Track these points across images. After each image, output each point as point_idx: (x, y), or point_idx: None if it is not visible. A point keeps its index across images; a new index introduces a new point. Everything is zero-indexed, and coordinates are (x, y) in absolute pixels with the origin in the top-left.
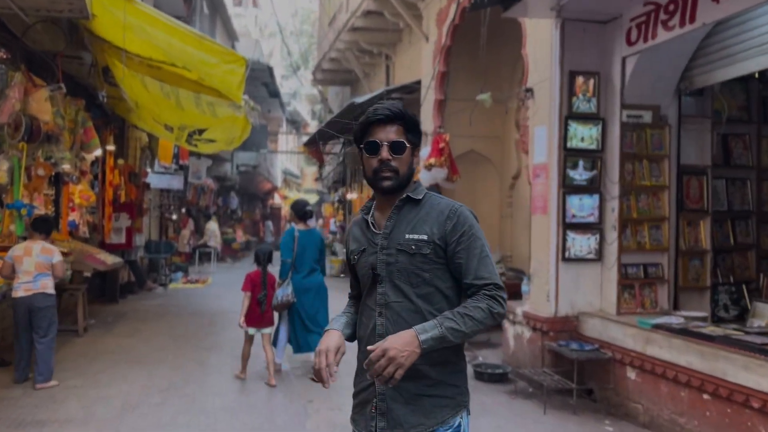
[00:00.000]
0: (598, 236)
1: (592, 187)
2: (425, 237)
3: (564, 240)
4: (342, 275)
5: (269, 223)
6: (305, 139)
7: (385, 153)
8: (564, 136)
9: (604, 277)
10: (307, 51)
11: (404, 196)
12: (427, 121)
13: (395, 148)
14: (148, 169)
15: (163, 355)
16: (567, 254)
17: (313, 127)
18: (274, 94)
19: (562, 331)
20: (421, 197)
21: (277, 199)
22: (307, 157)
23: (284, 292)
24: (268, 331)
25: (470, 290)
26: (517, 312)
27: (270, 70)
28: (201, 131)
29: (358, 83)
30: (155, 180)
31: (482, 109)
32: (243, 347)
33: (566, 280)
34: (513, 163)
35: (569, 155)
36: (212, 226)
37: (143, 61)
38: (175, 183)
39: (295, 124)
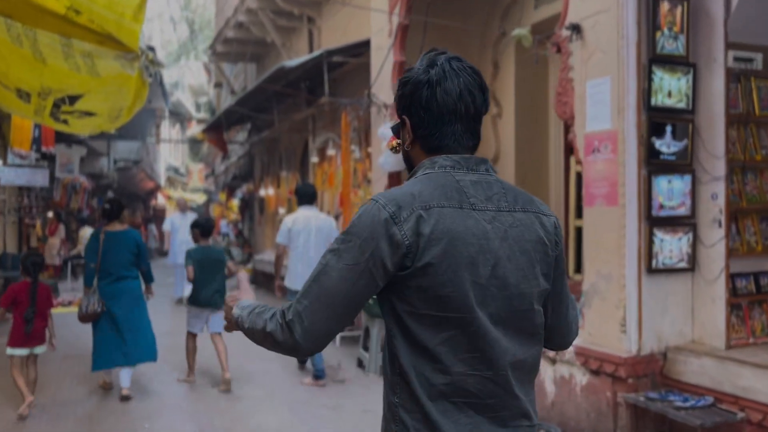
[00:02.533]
0: (691, 235)
1: (683, 164)
2: None
3: (650, 242)
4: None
5: (152, 227)
6: (193, 133)
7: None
8: (647, 90)
9: (700, 294)
10: (196, 32)
11: None
12: (384, 90)
13: (393, 130)
14: None
15: None
16: (654, 263)
17: (197, 122)
18: (156, 82)
19: (644, 375)
20: None
21: (161, 200)
22: (193, 153)
23: (89, 301)
24: (40, 351)
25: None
26: None
27: (152, 50)
28: (73, 99)
29: (268, 57)
30: (9, 174)
31: None
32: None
33: (651, 300)
34: (488, 143)
35: (654, 117)
36: (87, 232)
37: None
38: (38, 178)
39: (179, 117)
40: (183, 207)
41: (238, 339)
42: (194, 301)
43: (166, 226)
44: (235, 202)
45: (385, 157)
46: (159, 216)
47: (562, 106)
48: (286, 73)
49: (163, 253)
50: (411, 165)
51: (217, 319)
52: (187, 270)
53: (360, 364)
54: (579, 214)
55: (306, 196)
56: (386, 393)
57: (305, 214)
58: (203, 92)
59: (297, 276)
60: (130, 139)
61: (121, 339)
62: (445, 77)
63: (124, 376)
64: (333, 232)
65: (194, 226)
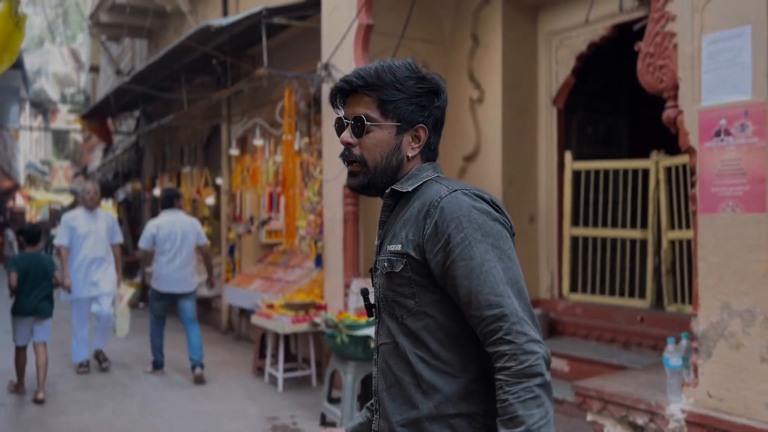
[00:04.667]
0: None
1: None
2: (399, 247)
3: None
4: (141, 305)
5: (9, 232)
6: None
7: (346, 135)
8: None
9: None
10: (63, 14)
11: (389, 190)
12: (344, 62)
13: (356, 127)
14: None
15: None
16: None
17: (63, 113)
18: (16, 64)
19: None
20: (411, 188)
21: (19, 201)
22: (58, 149)
23: None
24: None
25: (480, 336)
26: (654, 408)
27: None
28: None
29: (164, 32)
30: None
31: (415, 50)
32: None
33: None
34: (465, 135)
35: None
36: None
37: None
38: None
39: (41, 107)
40: (91, 201)
41: None
42: (19, 310)
43: (62, 237)
44: (108, 205)
45: None
46: (17, 220)
47: (653, 73)
48: (218, 32)
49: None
50: (390, 176)
51: (44, 328)
52: (10, 277)
53: (323, 420)
54: (575, 221)
55: (168, 200)
56: (455, 414)
57: (169, 218)
58: (70, 82)
59: (164, 280)
60: None
61: None
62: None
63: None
64: (200, 236)
65: (19, 233)
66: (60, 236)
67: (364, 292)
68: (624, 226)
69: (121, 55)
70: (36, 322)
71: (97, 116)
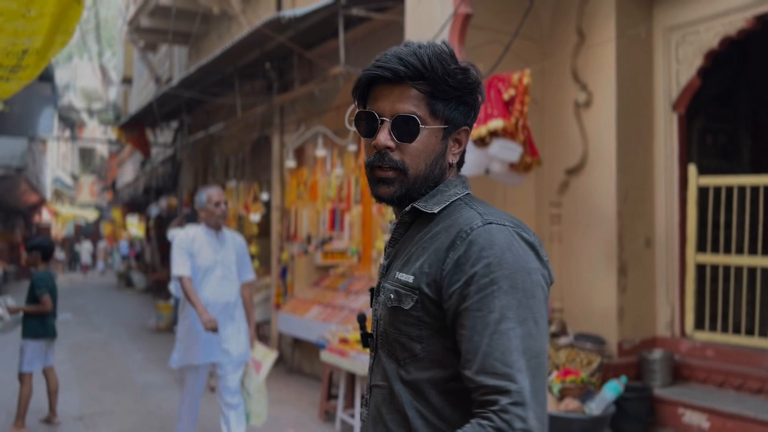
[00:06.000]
0: None
1: None
2: (410, 279)
3: None
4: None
5: None
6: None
7: (383, 137)
8: None
9: None
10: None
11: (409, 207)
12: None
13: (401, 128)
14: None
15: None
16: None
17: (90, 129)
18: (46, 77)
19: None
20: (437, 209)
21: (45, 216)
22: (85, 164)
23: None
24: None
25: (473, 399)
26: None
27: None
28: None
29: (207, 38)
30: None
31: (517, 48)
32: None
33: None
34: (569, 144)
35: None
36: None
37: None
38: None
39: (69, 121)
40: (220, 215)
41: None
42: (44, 332)
43: (181, 264)
44: (134, 222)
45: (471, 153)
46: (43, 235)
47: None
48: (290, 23)
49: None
50: (426, 186)
51: (52, 350)
52: (44, 300)
53: None
54: (701, 245)
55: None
56: None
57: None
58: (98, 97)
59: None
60: (13, 134)
61: None
62: None
63: None
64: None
65: (35, 248)
66: (178, 263)
67: (361, 319)
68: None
69: (158, 64)
70: (48, 345)
71: (135, 127)
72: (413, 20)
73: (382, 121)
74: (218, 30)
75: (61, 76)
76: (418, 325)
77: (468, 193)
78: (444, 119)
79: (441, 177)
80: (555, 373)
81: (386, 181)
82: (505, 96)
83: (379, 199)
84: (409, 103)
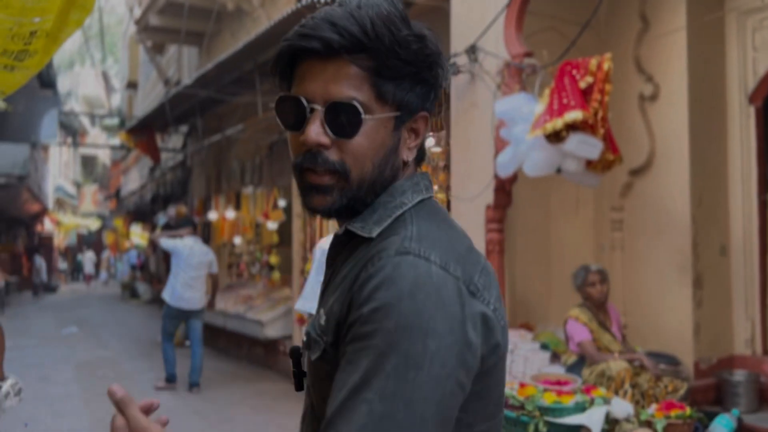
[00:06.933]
0: None
1: None
2: (323, 320)
3: None
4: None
5: (38, 258)
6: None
7: (314, 131)
8: None
9: None
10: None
11: (342, 229)
12: (493, 45)
13: (338, 119)
14: None
15: None
16: None
17: (92, 136)
18: (48, 83)
19: None
20: (376, 232)
21: (48, 225)
22: (87, 173)
23: None
24: None
25: None
26: None
27: None
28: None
29: (219, 37)
30: None
31: (565, 34)
32: None
33: None
34: (633, 141)
35: None
36: None
37: None
38: None
39: (70, 130)
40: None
41: None
42: None
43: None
44: (137, 231)
45: (509, 155)
46: (45, 244)
47: None
48: (276, 38)
49: (51, 289)
50: (376, 191)
51: None
52: None
53: None
54: None
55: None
56: None
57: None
58: (100, 104)
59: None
60: (15, 140)
61: None
62: None
63: None
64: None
65: None
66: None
67: (294, 353)
68: None
69: (166, 67)
70: None
71: (144, 131)
72: (461, 4)
73: (312, 110)
74: (231, 28)
75: (62, 84)
76: (327, 381)
77: (421, 200)
78: (395, 104)
79: (393, 179)
80: (654, 407)
81: (321, 189)
82: (582, 84)
83: (313, 211)
84: (348, 84)
